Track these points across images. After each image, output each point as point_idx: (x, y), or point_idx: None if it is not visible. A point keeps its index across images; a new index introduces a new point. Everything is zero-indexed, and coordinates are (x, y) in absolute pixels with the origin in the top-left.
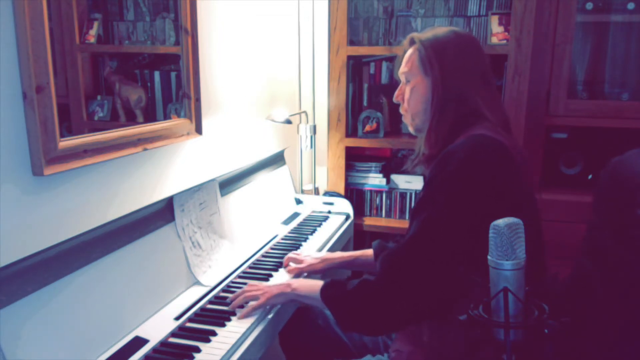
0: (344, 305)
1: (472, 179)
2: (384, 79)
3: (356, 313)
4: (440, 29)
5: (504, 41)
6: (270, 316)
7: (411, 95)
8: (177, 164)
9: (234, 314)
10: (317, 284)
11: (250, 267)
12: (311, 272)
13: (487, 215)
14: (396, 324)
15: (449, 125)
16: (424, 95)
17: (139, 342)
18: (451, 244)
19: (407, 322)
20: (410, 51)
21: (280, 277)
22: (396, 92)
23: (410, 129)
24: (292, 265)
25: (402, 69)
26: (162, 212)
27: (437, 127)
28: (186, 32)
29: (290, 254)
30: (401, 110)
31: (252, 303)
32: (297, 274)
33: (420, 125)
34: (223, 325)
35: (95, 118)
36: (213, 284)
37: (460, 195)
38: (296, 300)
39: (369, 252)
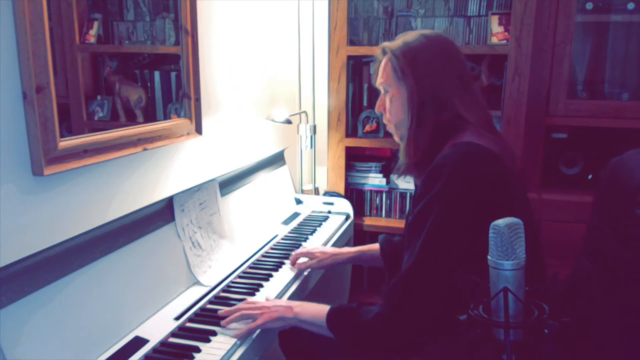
0: (356, 338)
1: (464, 191)
2: None
3: (371, 345)
4: (409, 35)
5: (504, 41)
6: None
7: (391, 104)
8: (177, 164)
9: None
10: (322, 309)
11: (250, 267)
12: (319, 268)
13: (483, 220)
14: (414, 349)
15: (429, 134)
16: (403, 103)
17: (139, 342)
18: (454, 259)
19: (424, 345)
20: (383, 61)
21: (281, 277)
22: (377, 103)
23: (395, 138)
24: (301, 259)
25: (379, 80)
26: (162, 212)
27: (415, 136)
28: (186, 32)
29: (298, 251)
30: (384, 120)
31: (249, 324)
32: (304, 269)
33: (404, 134)
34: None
35: (95, 118)
36: (213, 284)
37: (454, 210)
38: (297, 326)
39: (375, 246)
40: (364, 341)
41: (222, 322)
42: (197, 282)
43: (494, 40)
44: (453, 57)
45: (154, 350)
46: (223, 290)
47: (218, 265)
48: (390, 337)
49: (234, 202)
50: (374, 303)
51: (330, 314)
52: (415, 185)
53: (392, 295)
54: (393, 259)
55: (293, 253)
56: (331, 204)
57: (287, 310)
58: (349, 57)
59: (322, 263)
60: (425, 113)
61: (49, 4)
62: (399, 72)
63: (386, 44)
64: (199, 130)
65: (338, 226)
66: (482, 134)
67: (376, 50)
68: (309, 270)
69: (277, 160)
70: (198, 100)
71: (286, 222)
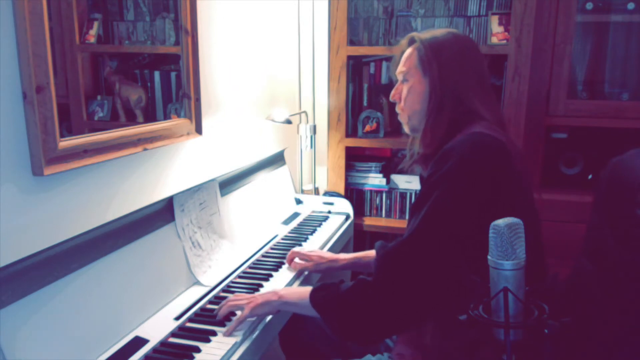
0: (338, 309)
1: (471, 176)
2: (384, 79)
3: (353, 317)
4: (438, 30)
5: (504, 41)
6: (269, 317)
7: (408, 94)
8: (177, 164)
9: (234, 314)
10: (306, 290)
11: (250, 267)
12: (314, 272)
13: (486, 214)
14: (396, 328)
15: (446, 126)
16: (422, 94)
17: (139, 342)
18: (450, 241)
19: (407, 326)
20: (409, 50)
21: (281, 277)
22: (393, 91)
23: (406, 129)
24: (298, 260)
25: (401, 68)
26: (162, 212)
27: (433, 127)
28: (186, 32)
29: (296, 250)
30: (397, 109)
31: (237, 315)
32: (301, 271)
33: (416, 125)
34: (223, 325)
35: (95, 118)
36: (213, 284)
37: (458, 192)
38: (283, 310)
39: (371, 253)
40: (346, 313)
41: (217, 317)
42: (197, 282)
43: (494, 40)
44: (475, 56)
45: (154, 350)
46: (223, 290)
47: (218, 265)
48: (369, 305)
49: (234, 202)
50: None
51: (313, 291)
52: (421, 178)
53: (379, 262)
54: None
55: (290, 251)
56: (331, 204)
57: (272, 295)
58: (349, 57)
59: (318, 267)
60: (444, 106)
61: (49, 4)
62: (425, 62)
63: (416, 33)
64: (199, 130)
65: (338, 226)
66: (495, 129)
67: (400, 41)
68: (305, 272)
69: (277, 160)
70: (198, 100)
71: (286, 222)
